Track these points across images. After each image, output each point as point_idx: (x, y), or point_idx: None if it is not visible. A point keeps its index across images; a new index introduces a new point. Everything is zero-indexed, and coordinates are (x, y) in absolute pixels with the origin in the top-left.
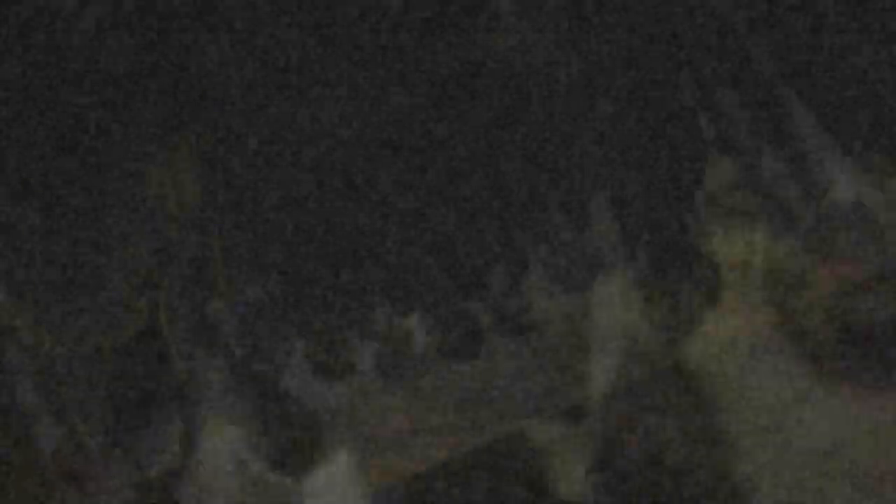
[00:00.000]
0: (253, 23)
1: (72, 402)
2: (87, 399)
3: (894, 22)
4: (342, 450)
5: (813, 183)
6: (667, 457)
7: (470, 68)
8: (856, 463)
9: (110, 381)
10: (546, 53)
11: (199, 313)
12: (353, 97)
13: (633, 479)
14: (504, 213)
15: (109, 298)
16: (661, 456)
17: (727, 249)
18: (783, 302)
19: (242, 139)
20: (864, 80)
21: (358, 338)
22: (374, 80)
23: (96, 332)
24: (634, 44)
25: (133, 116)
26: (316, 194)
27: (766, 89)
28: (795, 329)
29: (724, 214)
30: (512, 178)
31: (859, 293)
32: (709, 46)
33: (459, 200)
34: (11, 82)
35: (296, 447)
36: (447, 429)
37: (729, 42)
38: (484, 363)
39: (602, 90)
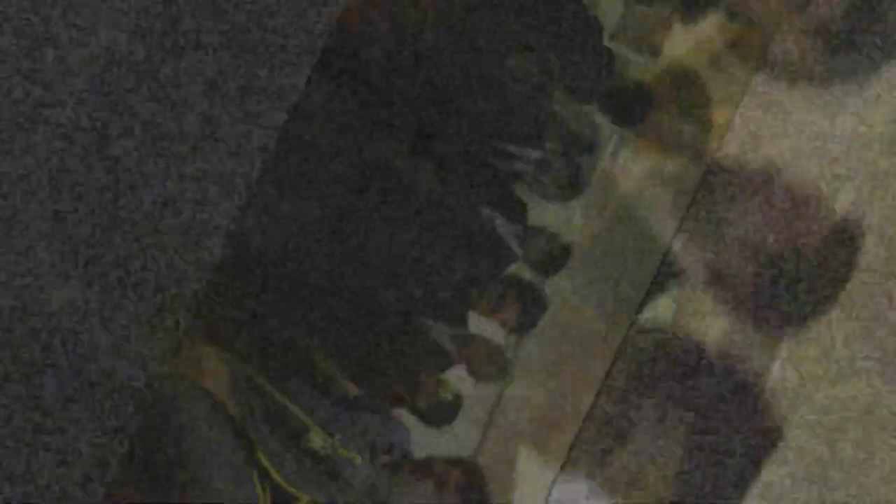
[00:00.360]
0: None
1: None
2: None
3: None
4: (520, 446)
5: None
6: (770, 243)
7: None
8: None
9: None
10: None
11: (309, 459)
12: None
13: (744, 267)
14: (478, 175)
15: None
16: (764, 244)
17: (691, 45)
18: (750, 42)
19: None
20: None
21: (442, 372)
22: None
23: None
24: None
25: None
26: (318, 281)
27: None
28: (775, 55)
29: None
30: (472, 139)
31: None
32: None
33: (442, 191)
34: None
35: (473, 489)
36: (566, 387)
37: None
38: (556, 309)
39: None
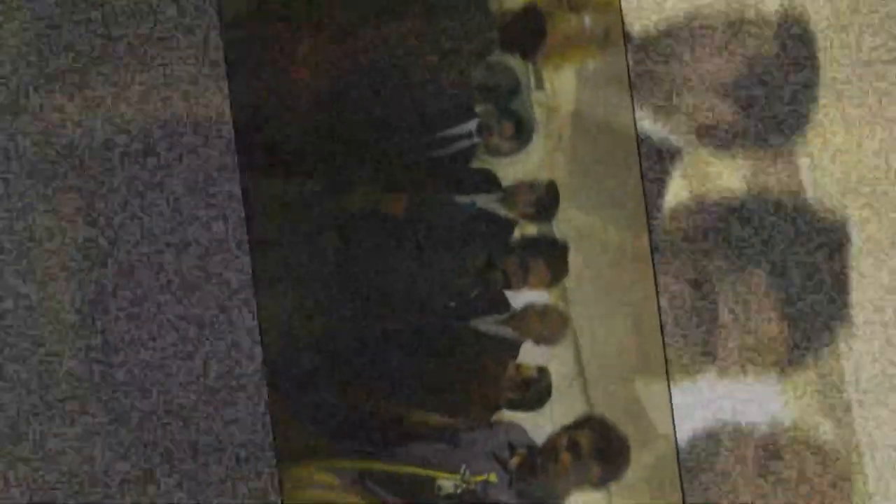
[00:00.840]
0: None
1: None
2: None
3: None
4: (623, 380)
5: None
6: (732, 79)
7: None
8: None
9: None
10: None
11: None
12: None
13: (723, 111)
14: (435, 173)
15: None
16: (725, 82)
17: None
18: None
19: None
20: None
21: (514, 357)
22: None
23: None
24: None
25: None
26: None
27: None
28: None
29: None
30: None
31: None
32: None
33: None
34: None
35: (606, 440)
36: (628, 307)
37: None
38: (576, 245)
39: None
